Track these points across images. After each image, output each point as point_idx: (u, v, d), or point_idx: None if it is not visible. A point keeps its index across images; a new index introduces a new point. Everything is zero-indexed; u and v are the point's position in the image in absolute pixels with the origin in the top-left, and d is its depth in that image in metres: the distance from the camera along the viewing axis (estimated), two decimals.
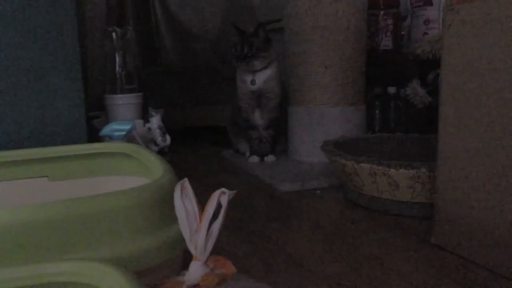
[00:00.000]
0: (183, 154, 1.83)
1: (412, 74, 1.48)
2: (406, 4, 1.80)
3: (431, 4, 1.59)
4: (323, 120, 1.45)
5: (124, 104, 1.68)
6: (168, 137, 1.76)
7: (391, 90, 1.70)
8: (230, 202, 0.47)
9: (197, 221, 0.47)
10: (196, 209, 0.47)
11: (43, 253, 0.46)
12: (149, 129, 1.73)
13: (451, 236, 0.79)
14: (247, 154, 1.59)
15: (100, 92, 1.75)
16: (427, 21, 1.61)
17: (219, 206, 0.47)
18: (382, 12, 1.74)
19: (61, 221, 0.48)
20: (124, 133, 1.21)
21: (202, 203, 0.47)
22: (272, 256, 0.80)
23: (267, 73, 1.49)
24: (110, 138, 1.21)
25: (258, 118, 1.55)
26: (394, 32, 1.75)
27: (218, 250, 0.49)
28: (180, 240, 0.48)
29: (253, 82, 1.49)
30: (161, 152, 1.75)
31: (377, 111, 1.72)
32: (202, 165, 1.64)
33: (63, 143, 1.01)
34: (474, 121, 0.73)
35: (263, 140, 1.56)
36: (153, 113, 1.74)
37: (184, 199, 0.47)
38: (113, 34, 1.71)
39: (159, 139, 1.74)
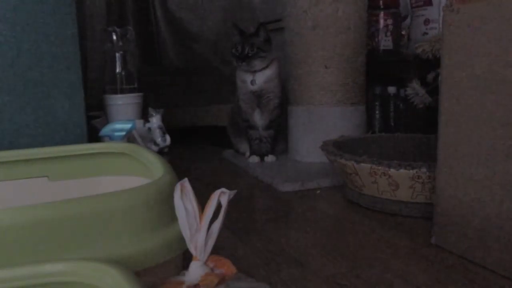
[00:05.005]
0: (183, 154, 1.83)
1: (412, 74, 1.48)
2: (406, 4, 1.80)
3: (431, 4, 1.59)
4: (323, 120, 1.45)
5: (124, 104, 1.68)
6: (168, 137, 1.76)
7: (391, 90, 1.70)
8: (230, 202, 0.47)
9: (197, 221, 0.47)
10: (196, 209, 0.47)
11: (43, 253, 0.46)
12: (149, 129, 1.73)
13: (451, 236, 0.79)
14: (247, 154, 1.59)
15: (100, 92, 1.75)
16: (427, 21, 1.61)
17: (219, 206, 0.47)
18: (382, 12, 1.74)
19: (61, 221, 0.48)
20: (124, 133, 1.21)
21: (202, 203, 0.47)
22: (272, 256, 0.80)
23: (267, 73, 1.49)
24: (110, 138, 1.21)
25: (258, 118, 1.55)
26: (394, 32, 1.75)
27: (218, 250, 0.49)
28: (180, 240, 0.48)
29: (253, 82, 1.49)
30: (161, 152, 1.75)
31: (377, 111, 1.72)
32: (202, 165, 1.64)
33: (63, 143, 1.01)
34: (474, 121, 0.73)
35: (263, 140, 1.56)
36: (153, 113, 1.74)
37: (184, 199, 0.47)
38: (113, 34, 1.71)
39: (159, 139, 1.74)
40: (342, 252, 0.81)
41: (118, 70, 1.73)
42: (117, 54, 1.73)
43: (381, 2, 1.73)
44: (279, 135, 1.58)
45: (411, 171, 0.92)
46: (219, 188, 0.47)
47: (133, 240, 0.51)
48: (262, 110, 1.53)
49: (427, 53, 1.33)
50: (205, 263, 0.47)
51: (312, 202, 1.13)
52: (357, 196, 1.07)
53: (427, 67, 1.40)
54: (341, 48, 1.42)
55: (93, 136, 1.24)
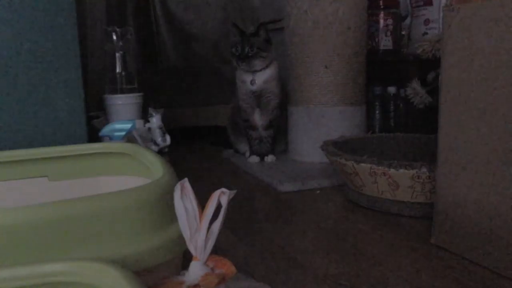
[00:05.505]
0: (183, 154, 1.83)
1: (412, 74, 1.48)
2: (406, 4, 1.80)
3: (431, 4, 1.59)
4: (323, 120, 1.45)
5: (124, 104, 1.68)
6: (168, 137, 1.76)
7: (391, 90, 1.70)
8: (230, 202, 0.47)
9: (197, 221, 0.47)
10: (196, 209, 0.47)
11: (43, 253, 0.46)
12: (149, 129, 1.73)
13: (451, 236, 0.79)
14: (247, 154, 1.59)
15: (100, 92, 1.75)
16: (427, 21, 1.61)
17: (219, 206, 0.47)
18: (382, 12, 1.74)
19: (61, 221, 0.48)
20: (124, 133, 1.21)
21: (202, 203, 0.47)
22: (272, 256, 0.80)
23: (267, 73, 1.49)
24: (110, 138, 1.21)
25: (258, 118, 1.55)
26: (394, 32, 1.75)
27: (218, 250, 0.49)
28: (180, 240, 0.48)
29: (253, 82, 1.49)
30: (161, 152, 1.75)
31: (377, 111, 1.72)
32: (202, 165, 1.64)
33: (63, 143, 1.01)
34: (474, 121, 0.73)
35: (263, 140, 1.56)
36: (153, 113, 1.74)
37: (184, 199, 0.47)
38: (113, 34, 1.71)
39: (159, 139, 1.74)
40: (342, 252, 0.81)
41: (118, 70, 1.73)
42: (117, 54, 1.73)
43: (381, 2, 1.73)
44: (279, 135, 1.58)
45: (411, 171, 0.92)
46: (219, 188, 0.47)
47: (133, 240, 0.51)
48: (262, 110, 1.53)
49: (427, 53, 1.33)
50: (205, 263, 0.47)
51: (312, 202, 1.13)
52: (357, 196, 1.07)
53: (427, 67, 1.40)
54: (341, 48, 1.42)
55: (93, 136, 1.24)
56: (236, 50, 1.46)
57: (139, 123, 1.66)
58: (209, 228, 0.46)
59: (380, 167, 0.95)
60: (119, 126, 1.23)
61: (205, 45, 2.46)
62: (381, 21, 1.74)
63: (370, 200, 1.03)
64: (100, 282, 0.39)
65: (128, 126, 1.23)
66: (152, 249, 0.52)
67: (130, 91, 1.73)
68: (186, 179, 0.48)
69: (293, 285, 0.69)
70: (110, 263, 0.40)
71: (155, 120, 1.73)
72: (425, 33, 1.60)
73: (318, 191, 1.21)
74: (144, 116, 1.75)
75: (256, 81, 1.49)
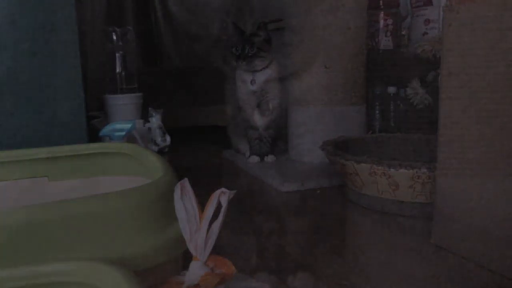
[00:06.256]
0: (183, 154, 1.83)
1: (412, 74, 1.48)
2: (406, 4, 1.80)
3: (431, 4, 1.59)
4: (323, 120, 1.45)
5: (124, 104, 1.68)
6: (168, 137, 1.76)
7: (391, 90, 1.69)
8: (230, 202, 0.47)
9: (197, 221, 0.47)
10: (196, 209, 0.47)
11: (43, 253, 0.46)
12: (149, 129, 1.73)
13: (451, 236, 0.79)
14: (247, 154, 1.59)
15: (100, 92, 1.75)
16: (427, 21, 1.61)
17: (219, 206, 0.47)
18: (382, 12, 1.74)
19: (61, 221, 0.48)
20: (124, 133, 1.21)
21: (202, 203, 0.48)
22: (272, 256, 0.80)
23: (267, 73, 1.49)
24: (110, 138, 1.21)
25: (258, 118, 1.55)
26: (394, 32, 1.75)
27: (218, 250, 0.49)
28: (180, 240, 0.48)
29: (253, 82, 1.49)
30: (161, 152, 1.75)
31: (377, 111, 1.72)
32: (202, 165, 1.65)
33: (63, 143, 1.01)
34: (474, 121, 0.73)
35: (263, 140, 1.56)
36: (153, 113, 1.74)
37: (184, 199, 0.47)
38: (113, 34, 1.72)
39: (159, 139, 1.74)
40: (342, 252, 0.81)
41: (118, 70, 1.73)
42: (117, 54, 1.73)
43: (381, 2, 1.73)
44: (279, 135, 1.58)
45: (411, 171, 0.92)
46: (219, 188, 0.47)
47: (133, 240, 0.51)
48: (262, 110, 1.53)
49: (427, 53, 1.33)
50: (205, 263, 0.47)
51: (312, 202, 1.13)
52: (357, 196, 1.07)
53: (427, 67, 1.40)
54: (341, 48, 1.42)
55: (93, 136, 1.24)
56: (236, 50, 1.46)
57: (139, 123, 1.66)
58: (209, 228, 0.47)
59: (380, 167, 0.95)
60: (119, 126, 1.23)
61: (205, 45, 2.46)
62: (381, 21, 1.74)
63: (370, 200, 1.03)
64: (100, 282, 0.39)
65: (128, 126, 1.23)
66: (152, 249, 0.52)
67: (130, 91, 1.73)
68: (186, 179, 0.48)
69: (293, 285, 0.69)
70: (110, 263, 0.40)
71: (155, 120, 1.73)
72: (425, 33, 1.60)
73: (318, 191, 1.21)
74: (144, 116, 1.75)
75: (256, 81, 1.49)
